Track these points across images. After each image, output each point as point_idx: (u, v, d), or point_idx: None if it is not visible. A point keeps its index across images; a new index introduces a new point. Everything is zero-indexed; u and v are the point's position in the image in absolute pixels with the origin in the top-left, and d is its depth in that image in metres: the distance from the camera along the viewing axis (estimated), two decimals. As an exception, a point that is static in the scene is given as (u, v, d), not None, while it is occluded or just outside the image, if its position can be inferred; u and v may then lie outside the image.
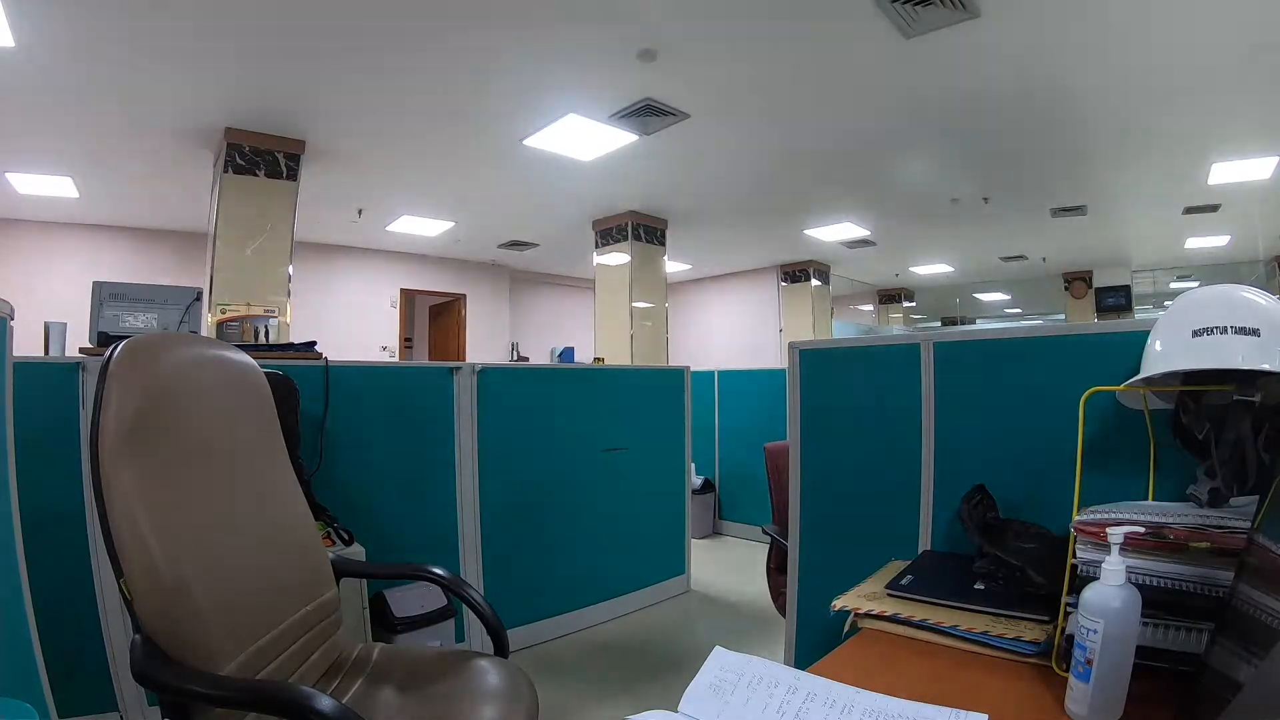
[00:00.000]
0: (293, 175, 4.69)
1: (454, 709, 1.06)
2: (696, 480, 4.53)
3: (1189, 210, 6.44)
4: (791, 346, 1.70)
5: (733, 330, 10.22)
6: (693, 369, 3.73)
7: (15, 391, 1.19)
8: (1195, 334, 0.85)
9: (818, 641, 1.50)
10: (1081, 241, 7.93)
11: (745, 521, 4.59)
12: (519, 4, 3.06)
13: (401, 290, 8.76)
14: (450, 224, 7.26)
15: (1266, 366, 0.78)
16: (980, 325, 11.30)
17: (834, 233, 7.63)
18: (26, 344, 1.72)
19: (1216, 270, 8.89)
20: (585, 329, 8.54)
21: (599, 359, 6.65)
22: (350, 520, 2.13)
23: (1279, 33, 3.22)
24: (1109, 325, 1.23)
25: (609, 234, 7.09)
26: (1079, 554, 0.86)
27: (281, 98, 4.04)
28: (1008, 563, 1.04)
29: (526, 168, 5.30)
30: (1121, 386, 0.94)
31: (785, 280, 9.61)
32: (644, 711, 0.69)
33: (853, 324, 11.20)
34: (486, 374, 2.62)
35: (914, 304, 11.77)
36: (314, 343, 2.65)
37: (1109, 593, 0.71)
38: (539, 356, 9.17)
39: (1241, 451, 0.86)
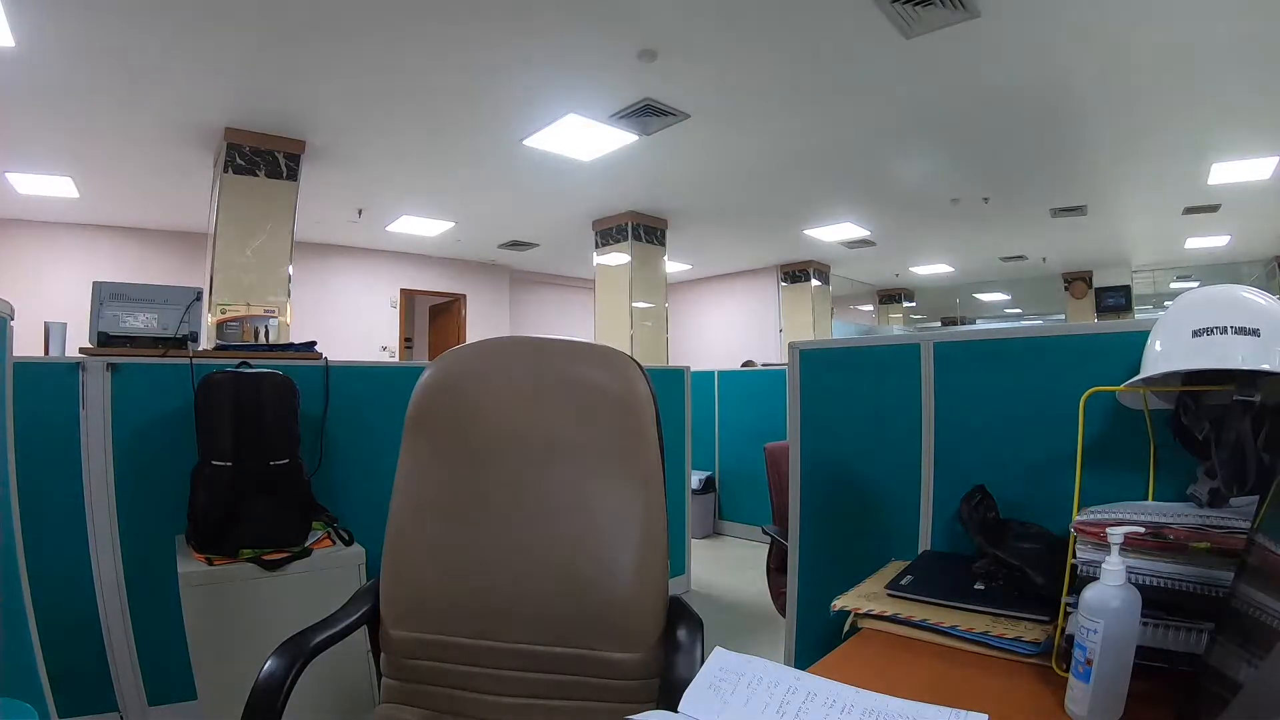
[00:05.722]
0: (293, 175, 4.68)
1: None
2: (696, 480, 4.53)
3: (1189, 210, 6.44)
4: (791, 346, 1.70)
5: (733, 330, 10.22)
6: (693, 369, 3.72)
7: (15, 391, 1.19)
8: (1195, 334, 0.84)
9: (818, 641, 1.50)
10: (1081, 241, 7.92)
11: (745, 521, 4.59)
12: (519, 4, 3.06)
13: (401, 290, 8.75)
14: (450, 224, 7.26)
15: (1266, 366, 0.78)
16: (980, 325, 11.30)
17: (834, 233, 7.62)
18: (26, 344, 1.72)
19: (1216, 270, 8.88)
20: (585, 329, 8.54)
21: (599, 359, 6.64)
22: (350, 521, 2.13)
23: (1279, 32, 3.22)
24: (1109, 325, 1.23)
25: (609, 234, 7.08)
26: (1079, 554, 0.86)
27: (281, 98, 4.03)
28: (1008, 563, 1.04)
29: (526, 168, 5.29)
30: (1121, 386, 0.94)
31: (785, 280, 9.60)
32: (644, 712, 0.69)
33: (851, 324, 11.19)
34: (486, 374, 2.61)
35: (914, 304, 11.76)
36: (314, 343, 2.65)
37: (1109, 593, 0.70)
38: (539, 356, 9.14)
39: (1241, 451, 0.85)
